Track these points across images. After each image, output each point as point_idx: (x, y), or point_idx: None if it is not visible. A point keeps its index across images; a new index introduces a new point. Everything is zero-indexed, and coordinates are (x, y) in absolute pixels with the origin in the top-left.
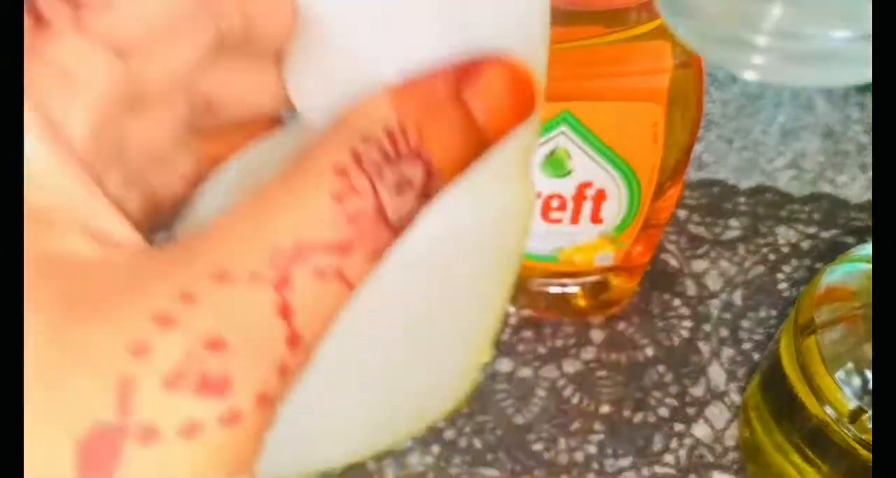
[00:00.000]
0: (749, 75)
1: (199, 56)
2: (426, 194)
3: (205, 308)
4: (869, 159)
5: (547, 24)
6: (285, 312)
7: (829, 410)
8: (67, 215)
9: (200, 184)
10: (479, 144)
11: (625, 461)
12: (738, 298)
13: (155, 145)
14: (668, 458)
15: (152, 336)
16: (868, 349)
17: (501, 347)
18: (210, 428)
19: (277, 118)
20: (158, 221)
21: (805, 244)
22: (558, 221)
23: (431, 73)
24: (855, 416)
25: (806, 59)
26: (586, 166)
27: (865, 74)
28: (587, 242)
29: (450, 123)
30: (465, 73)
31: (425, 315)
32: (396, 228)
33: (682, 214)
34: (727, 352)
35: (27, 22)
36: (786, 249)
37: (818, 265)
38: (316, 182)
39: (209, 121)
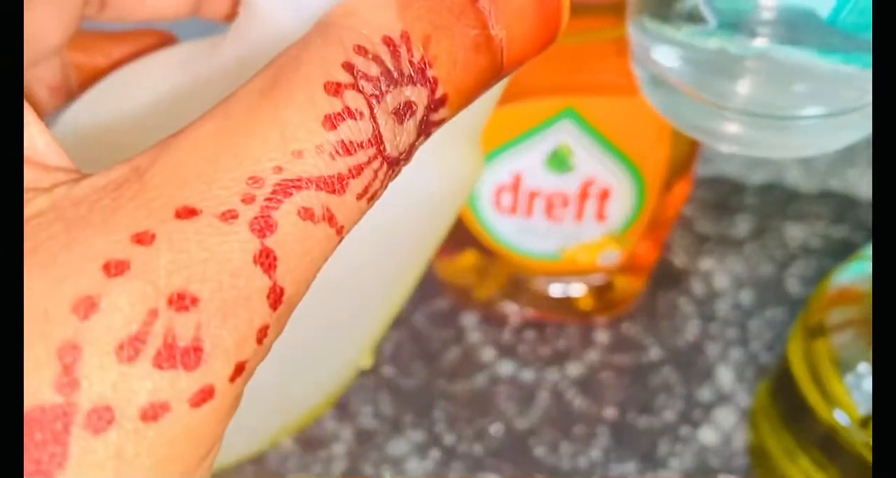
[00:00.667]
0: (724, 147)
1: None
2: (427, 126)
3: (165, 252)
4: None
5: None
6: (266, 259)
7: (839, 414)
8: None
9: (64, 99)
10: (492, 69)
11: (629, 466)
12: (746, 297)
13: (38, 37)
14: (674, 462)
15: (100, 287)
16: None
17: (503, 349)
18: (178, 409)
19: (169, 37)
20: None
21: (814, 242)
22: (561, 218)
23: None
24: (866, 421)
25: (780, 131)
26: (590, 163)
27: (842, 142)
28: (591, 241)
29: (462, 36)
30: None
31: (331, 289)
32: (393, 164)
33: (687, 210)
34: (735, 353)
35: None
36: (795, 247)
37: (828, 263)
38: (303, 100)
39: (95, 18)
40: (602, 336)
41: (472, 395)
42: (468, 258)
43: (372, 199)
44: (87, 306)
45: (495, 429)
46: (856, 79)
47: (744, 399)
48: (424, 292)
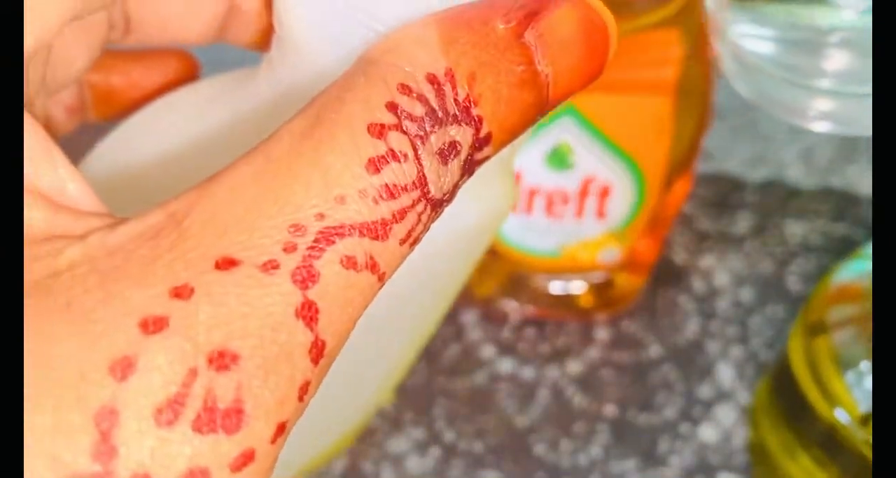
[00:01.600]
0: (818, 126)
1: None
2: (471, 165)
3: (204, 306)
4: None
5: None
6: (308, 312)
7: (839, 412)
8: None
9: (78, 120)
10: (538, 104)
11: (629, 464)
12: (746, 294)
13: (63, 62)
14: (674, 460)
15: (138, 346)
16: None
17: (503, 346)
18: (218, 474)
19: (188, 57)
20: None
21: (815, 239)
22: (561, 216)
23: (486, 4)
24: (866, 419)
25: (867, 107)
26: (590, 161)
27: None
28: (591, 239)
29: (507, 73)
30: (529, 8)
31: (360, 328)
32: (437, 205)
33: (688, 208)
34: (735, 351)
35: None
36: (795, 244)
37: (828, 260)
38: (346, 143)
39: (119, 41)
40: (602, 334)
41: (472, 392)
42: None
43: (414, 243)
44: (124, 367)
45: (496, 426)
46: None
47: (744, 397)
48: None
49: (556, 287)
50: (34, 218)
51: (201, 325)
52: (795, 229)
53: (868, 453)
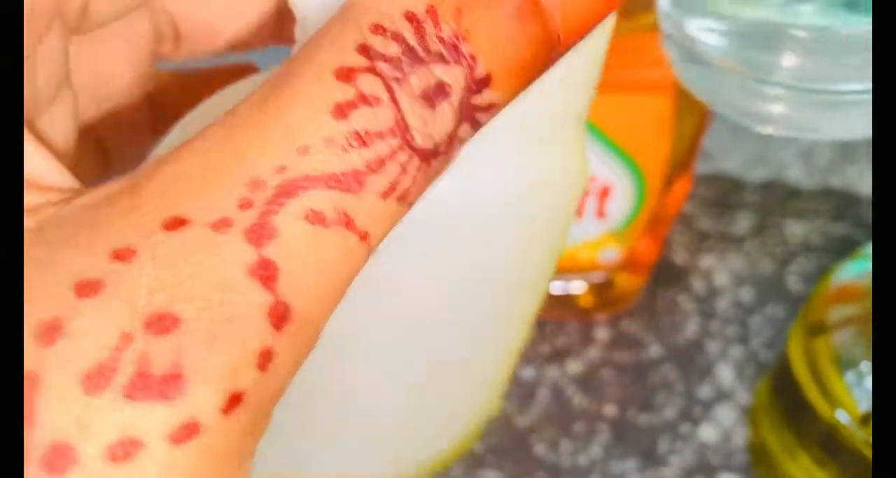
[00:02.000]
0: (765, 129)
1: None
2: (470, 111)
3: (147, 269)
4: None
5: None
6: (264, 272)
7: (840, 413)
8: None
9: (153, 138)
10: (546, 41)
11: (630, 464)
12: (746, 294)
13: (106, 76)
14: (674, 460)
15: (68, 310)
16: None
17: None
18: (154, 446)
19: (249, 66)
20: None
21: (815, 239)
22: None
23: None
24: (866, 419)
25: (822, 109)
26: (590, 161)
27: None
28: (592, 239)
29: (502, 4)
30: None
31: (450, 325)
32: (428, 156)
33: (688, 208)
34: (735, 351)
35: None
36: (795, 244)
37: (828, 260)
38: (310, 90)
39: (172, 55)
40: (602, 333)
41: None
42: None
43: (404, 198)
44: (50, 331)
45: (496, 426)
46: None
47: (744, 397)
48: None
49: (556, 287)
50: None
51: (142, 288)
52: (795, 229)
53: (868, 452)
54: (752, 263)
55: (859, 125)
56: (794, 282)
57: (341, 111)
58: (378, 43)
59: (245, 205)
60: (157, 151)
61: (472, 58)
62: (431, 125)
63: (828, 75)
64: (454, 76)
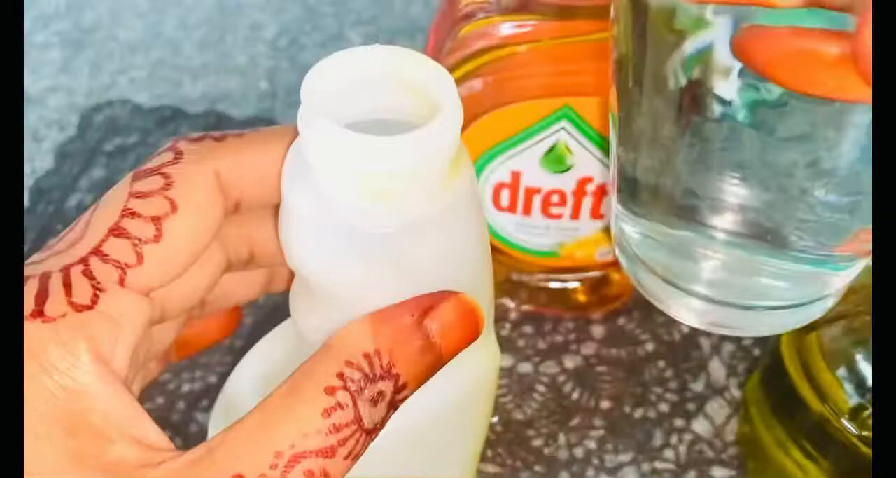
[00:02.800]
0: (689, 321)
1: (211, 279)
2: (395, 403)
3: None
4: None
5: (488, 270)
6: None
7: (829, 406)
8: (117, 427)
9: (164, 365)
10: (437, 360)
11: (625, 457)
12: None
13: (177, 296)
14: (668, 453)
15: None
16: (869, 346)
17: (502, 343)
18: None
19: (238, 316)
20: None
21: None
22: (559, 216)
23: (400, 305)
24: (856, 412)
25: (742, 314)
26: (587, 162)
27: (804, 321)
28: (588, 238)
29: (413, 346)
30: (426, 305)
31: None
32: (371, 432)
33: None
34: (728, 347)
35: (84, 284)
36: None
37: None
38: (310, 400)
39: (241, 267)
40: (598, 330)
41: None
42: None
43: (356, 457)
44: None
45: (494, 420)
46: (820, 278)
47: (736, 392)
48: None
49: (553, 285)
50: (130, 454)
51: None
52: None
53: (858, 445)
54: None
55: (780, 323)
56: None
57: (327, 413)
58: (348, 372)
59: (273, 466)
60: (234, 381)
61: (398, 376)
62: (375, 415)
63: (740, 295)
64: (388, 387)
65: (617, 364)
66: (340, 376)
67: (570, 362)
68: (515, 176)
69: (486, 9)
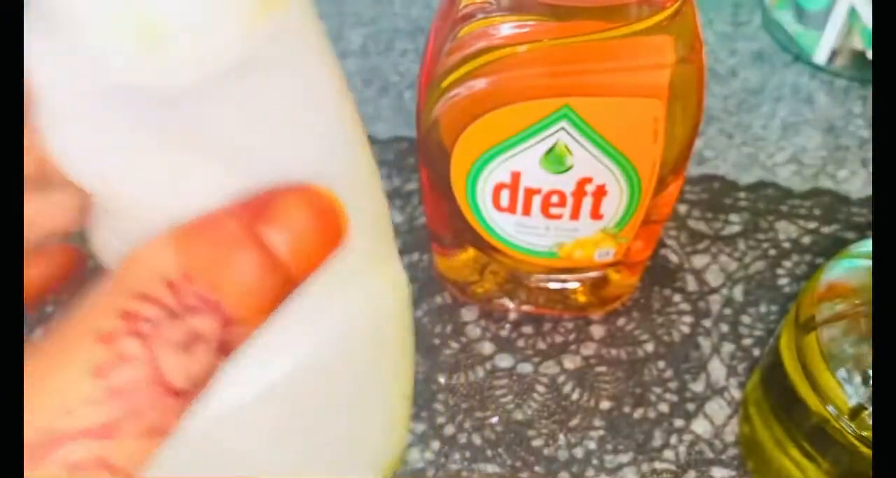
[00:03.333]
0: None
1: None
2: (226, 345)
3: None
4: (870, 154)
5: (363, 160)
6: None
7: (829, 407)
8: None
9: None
10: (284, 282)
11: (624, 457)
12: (738, 293)
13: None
14: (668, 454)
15: None
16: (869, 347)
17: (502, 343)
18: None
19: (79, 256)
20: None
21: (806, 239)
22: (558, 216)
23: (220, 210)
24: (855, 413)
25: None
26: (587, 162)
27: None
28: (587, 238)
29: (244, 264)
30: (258, 205)
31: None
32: (186, 392)
33: (682, 209)
34: (727, 348)
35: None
36: (786, 245)
37: (819, 261)
38: (71, 356)
39: None
40: (598, 331)
41: (472, 388)
42: (468, 255)
43: (163, 431)
44: None
45: (494, 421)
46: None
47: (736, 392)
48: (425, 289)
49: (552, 285)
50: None
51: None
52: (787, 230)
53: (857, 445)
54: (745, 263)
55: None
56: (785, 281)
57: (101, 372)
58: (140, 308)
59: (26, 466)
60: None
61: (222, 307)
62: (189, 366)
63: None
64: (208, 324)
65: (617, 365)
66: (125, 315)
67: (569, 363)
68: (515, 176)
69: (485, 9)
